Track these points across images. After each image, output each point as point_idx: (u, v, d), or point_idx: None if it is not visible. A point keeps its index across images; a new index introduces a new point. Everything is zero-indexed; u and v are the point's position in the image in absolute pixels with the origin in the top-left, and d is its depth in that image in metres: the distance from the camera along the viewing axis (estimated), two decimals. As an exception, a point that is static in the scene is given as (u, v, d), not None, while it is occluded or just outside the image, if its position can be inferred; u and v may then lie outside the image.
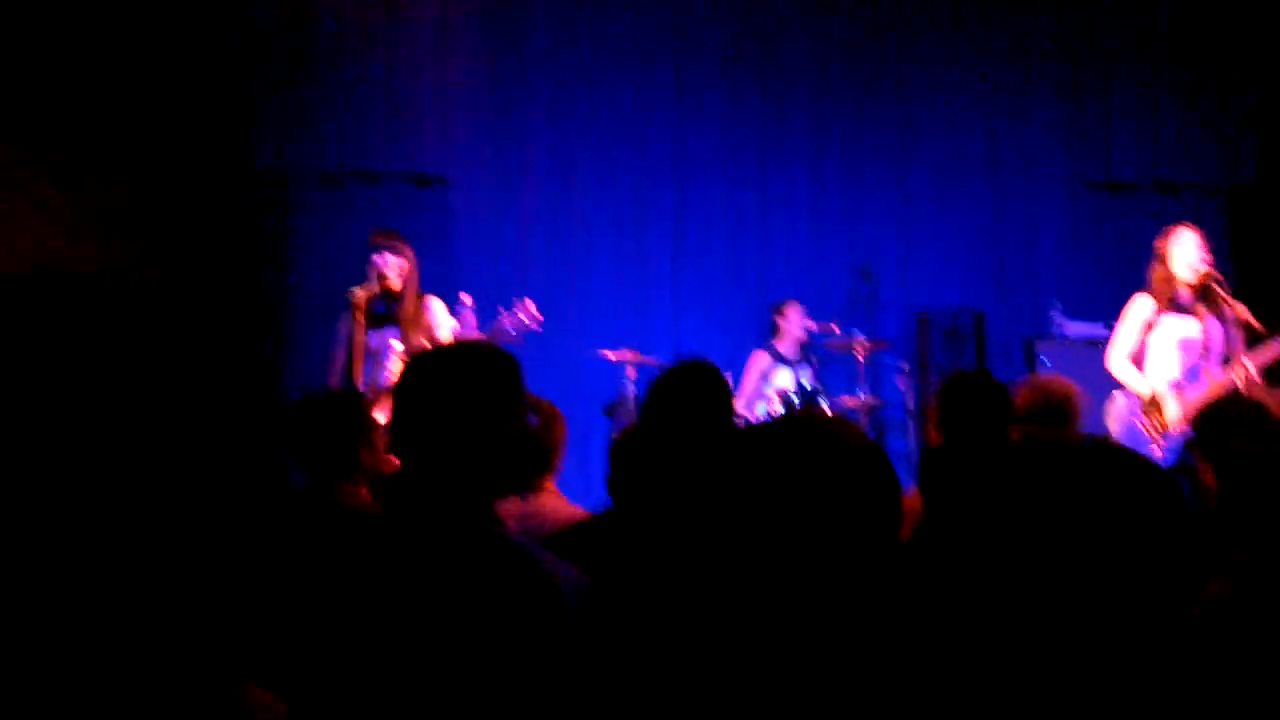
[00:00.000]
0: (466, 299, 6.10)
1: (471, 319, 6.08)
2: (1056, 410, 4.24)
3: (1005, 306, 8.36)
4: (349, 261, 6.96)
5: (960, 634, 1.72)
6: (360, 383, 5.57)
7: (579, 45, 8.23)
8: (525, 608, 1.93)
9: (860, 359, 7.41)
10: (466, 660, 1.91)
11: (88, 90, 7.02)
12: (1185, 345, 5.67)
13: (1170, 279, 5.70)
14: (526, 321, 5.82)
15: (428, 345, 5.63)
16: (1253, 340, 5.61)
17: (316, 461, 3.56)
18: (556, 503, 3.67)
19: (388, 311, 5.75)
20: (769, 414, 7.05)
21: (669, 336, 8.11)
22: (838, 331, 7.52)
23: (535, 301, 5.97)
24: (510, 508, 3.40)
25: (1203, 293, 5.69)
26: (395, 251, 5.73)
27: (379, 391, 5.55)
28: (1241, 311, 5.62)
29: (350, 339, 5.67)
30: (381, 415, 5.35)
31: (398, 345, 5.71)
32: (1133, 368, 5.73)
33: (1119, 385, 5.77)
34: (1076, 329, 7.78)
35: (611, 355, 7.27)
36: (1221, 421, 3.87)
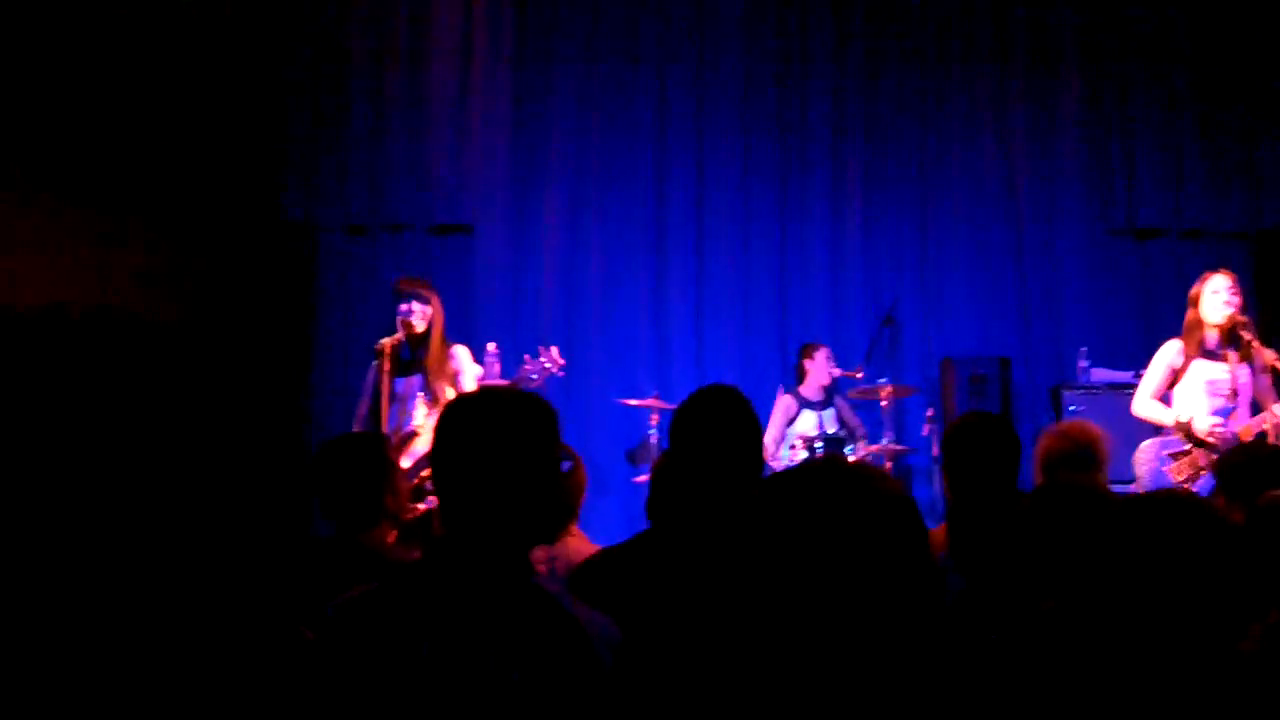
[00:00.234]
0: (491, 347, 6.13)
1: (497, 367, 6.11)
2: (1084, 455, 4.21)
3: (1030, 353, 8.32)
4: (375, 310, 7.01)
5: (991, 673, 1.70)
6: (386, 429, 5.58)
7: (599, 95, 8.29)
8: (561, 659, 1.92)
9: (884, 405, 7.39)
10: (501, 711, 1.89)
11: (122, 142, 7.12)
12: (1213, 388, 5.66)
13: (1199, 324, 5.71)
14: (550, 368, 5.83)
15: (453, 392, 5.66)
16: (1281, 386, 5.60)
17: (341, 507, 3.56)
18: (580, 544, 3.68)
19: (413, 358, 5.77)
20: (791, 459, 7.03)
21: (691, 383, 8.08)
22: (861, 377, 7.50)
23: (558, 348, 5.98)
24: (538, 551, 3.40)
25: (1231, 337, 5.68)
26: (421, 299, 5.76)
27: (404, 438, 5.56)
28: (1270, 357, 5.62)
29: (376, 385, 5.69)
30: (406, 461, 5.40)
31: (422, 394, 5.73)
32: (1159, 405, 5.73)
33: (1147, 429, 5.75)
34: (1102, 375, 7.75)
35: (633, 402, 7.28)
36: (1250, 467, 3.85)
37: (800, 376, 7.62)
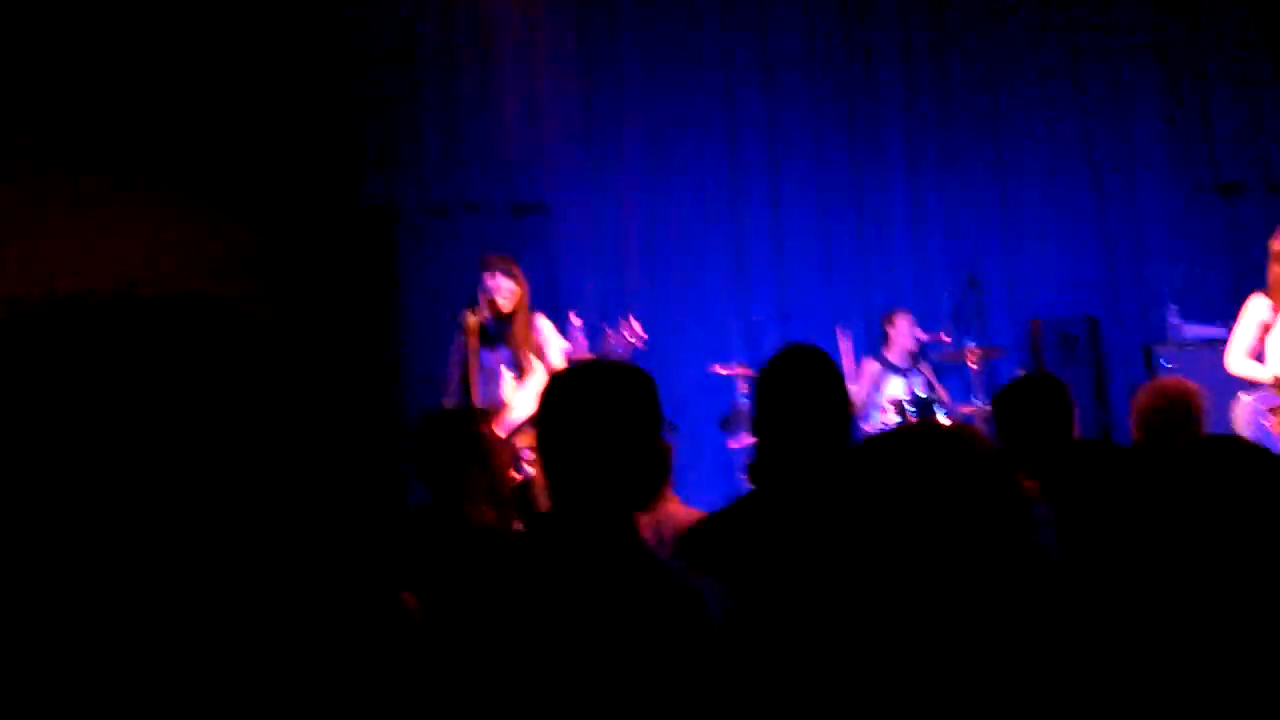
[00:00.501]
0: (576, 320, 6.17)
1: (582, 339, 6.16)
2: (1180, 412, 4.17)
3: (1119, 311, 8.21)
4: (458, 290, 7.09)
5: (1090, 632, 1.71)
6: (476, 402, 5.66)
7: (671, 68, 8.28)
8: (672, 624, 1.95)
9: (973, 368, 7.33)
10: (613, 675, 1.93)
11: (201, 129, 7.23)
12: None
13: (1283, 277, 5.61)
14: (631, 340, 5.88)
15: (540, 365, 5.74)
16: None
17: (441, 480, 3.62)
18: (679, 510, 3.71)
19: (499, 332, 5.85)
20: (884, 424, 7.01)
21: (775, 349, 8.09)
22: (947, 340, 7.46)
23: (641, 320, 6.03)
24: (641, 518, 3.43)
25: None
26: (506, 274, 5.83)
27: (494, 409, 5.64)
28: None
29: (464, 360, 5.78)
30: (500, 432, 5.47)
31: (508, 367, 5.81)
32: (1253, 362, 5.64)
33: (1242, 386, 5.66)
34: (1194, 331, 7.63)
35: (722, 370, 7.30)
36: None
37: (884, 342, 7.59)
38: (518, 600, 2.06)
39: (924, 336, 7.49)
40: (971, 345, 7.35)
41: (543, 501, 2.42)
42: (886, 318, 7.62)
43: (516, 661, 2.00)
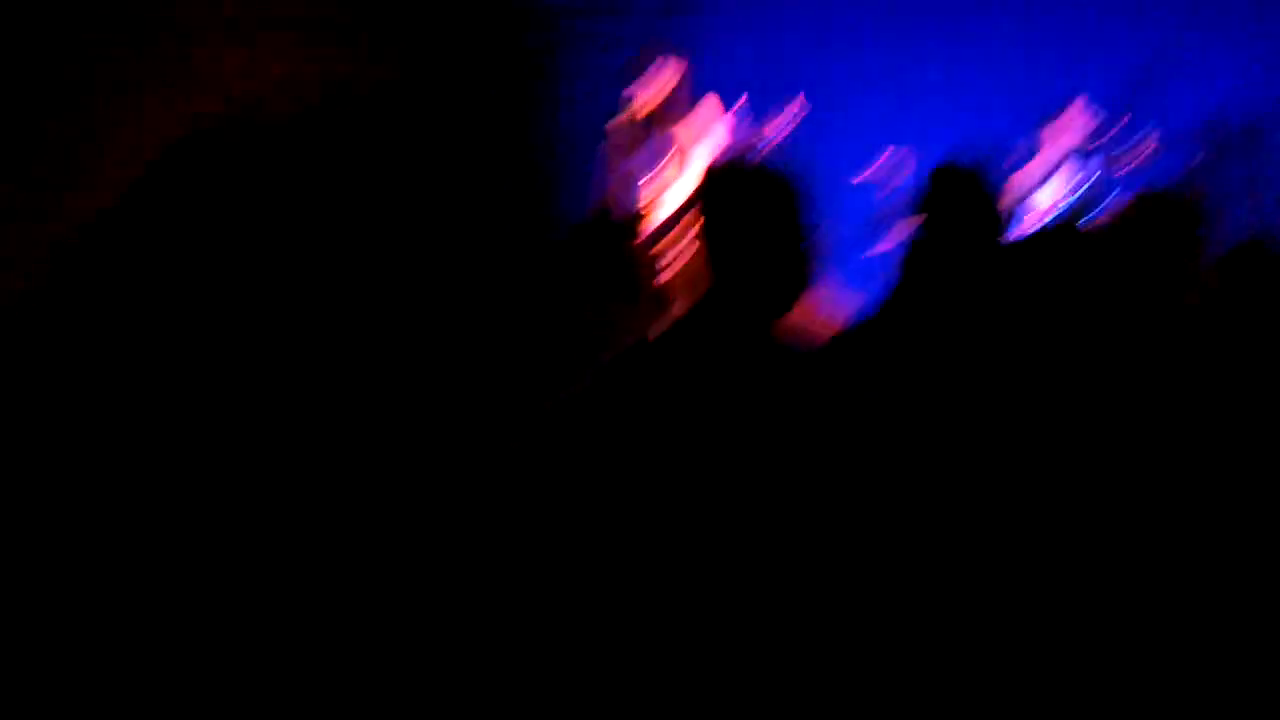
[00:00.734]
0: (727, 113, 6.09)
1: (735, 132, 6.10)
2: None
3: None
4: (607, 87, 7.03)
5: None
6: (625, 203, 5.69)
7: None
8: (816, 414, 1.99)
9: (1140, 164, 7.04)
10: (760, 467, 1.98)
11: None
12: None
13: None
14: (786, 122, 5.80)
15: (702, 151, 5.72)
16: None
17: (595, 281, 3.65)
18: (819, 314, 3.70)
19: (650, 128, 5.82)
20: (1037, 223, 6.83)
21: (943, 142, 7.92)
22: (1122, 132, 7.18)
23: (794, 104, 5.94)
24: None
25: None
26: (659, 67, 5.78)
27: (641, 210, 5.65)
28: None
29: (615, 158, 5.78)
30: (644, 231, 5.50)
31: (659, 163, 5.80)
32: None
33: None
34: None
35: (883, 159, 7.19)
36: None
37: (1049, 132, 7.33)
38: (665, 402, 2.12)
39: (1094, 126, 7.21)
40: (1147, 136, 7.06)
41: (680, 304, 2.45)
42: (1059, 108, 7.36)
43: (670, 460, 2.06)
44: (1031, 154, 7.28)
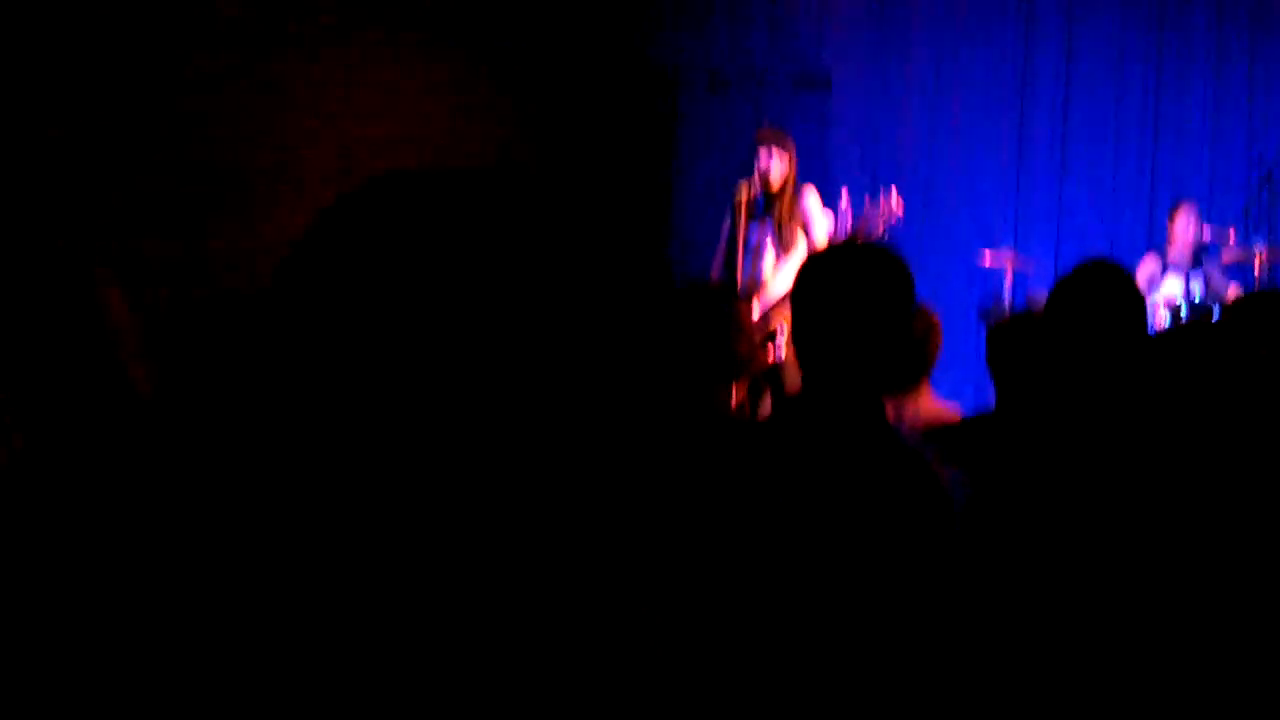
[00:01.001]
0: (845, 198, 6.16)
1: (848, 218, 6.15)
2: None
3: None
4: (732, 161, 7.13)
5: None
6: (740, 277, 5.76)
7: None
8: (920, 511, 2.00)
9: (1257, 271, 6.96)
10: (857, 557, 2.00)
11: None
12: None
13: None
14: (890, 212, 5.83)
15: (804, 239, 5.77)
16: None
17: (691, 356, 3.70)
18: (931, 401, 3.73)
19: (767, 206, 5.90)
20: (1154, 326, 6.76)
21: (1049, 241, 7.90)
22: (1234, 239, 7.10)
23: (911, 203, 5.98)
24: (894, 407, 3.48)
25: None
26: (780, 148, 5.86)
27: (756, 285, 5.72)
28: None
29: (732, 234, 5.88)
30: (757, 308, 5.56)
31: (773, 239, 5.87)
32: None
33: None
34: None
35: (989, 256, 7.18)
36: None
37: (1167, 239, 7.28)
38: (765, 483, 2.13)
39: (1208, 233, 7.15)
40: (1260, 245, 6.98)
41: (792, 383, 2.48)
42: (1170, 211, 7.30)
43: (765, 544, 2.08)
44: (1155, 251, 7.23)
